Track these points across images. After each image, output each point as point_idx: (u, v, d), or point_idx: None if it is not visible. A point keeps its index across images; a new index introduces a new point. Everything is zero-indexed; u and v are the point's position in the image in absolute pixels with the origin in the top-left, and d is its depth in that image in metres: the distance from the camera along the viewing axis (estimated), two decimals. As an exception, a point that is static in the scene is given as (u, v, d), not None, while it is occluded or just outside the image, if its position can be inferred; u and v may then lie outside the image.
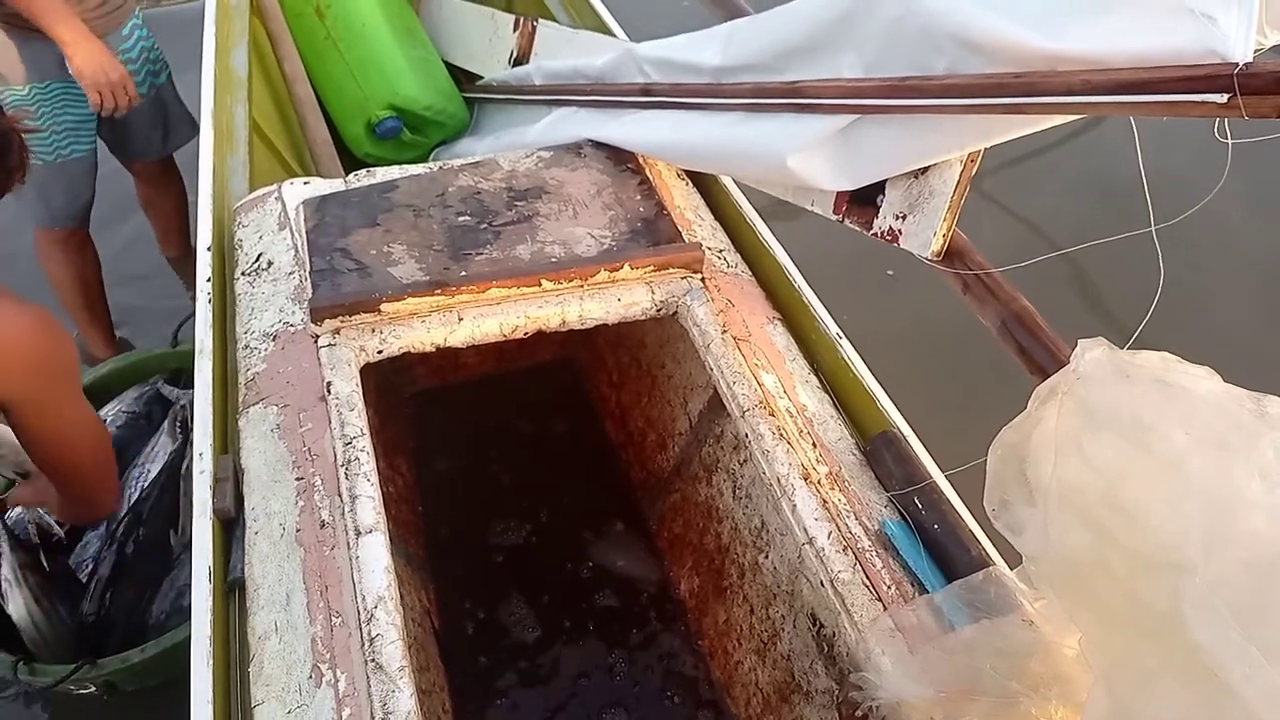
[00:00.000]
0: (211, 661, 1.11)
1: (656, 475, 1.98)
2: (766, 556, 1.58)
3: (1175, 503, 0.79)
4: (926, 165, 1.36)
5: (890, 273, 3.02)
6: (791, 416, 1.40)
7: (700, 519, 1.80)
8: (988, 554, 1.23)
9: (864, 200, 1.48)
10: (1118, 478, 0.83)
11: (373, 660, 1.06)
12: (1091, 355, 0.91)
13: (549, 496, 2.05)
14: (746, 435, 1.39)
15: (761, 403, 1.40)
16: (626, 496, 2.05)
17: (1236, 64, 0.91)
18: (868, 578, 1.21)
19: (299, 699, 1.06)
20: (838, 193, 1.51)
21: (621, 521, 2.00)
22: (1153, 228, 1.12)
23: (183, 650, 1.16)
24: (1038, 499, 0.94)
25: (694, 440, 1.83)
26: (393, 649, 1.07)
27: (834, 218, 1.54)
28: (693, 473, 1.83)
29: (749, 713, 1.62)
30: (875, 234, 1.47)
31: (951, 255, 1.39)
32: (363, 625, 1.09)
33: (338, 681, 1.06)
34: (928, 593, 1.20)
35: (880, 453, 1.36)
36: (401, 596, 1.33)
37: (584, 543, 1.97)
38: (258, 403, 1.35)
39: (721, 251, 1.70)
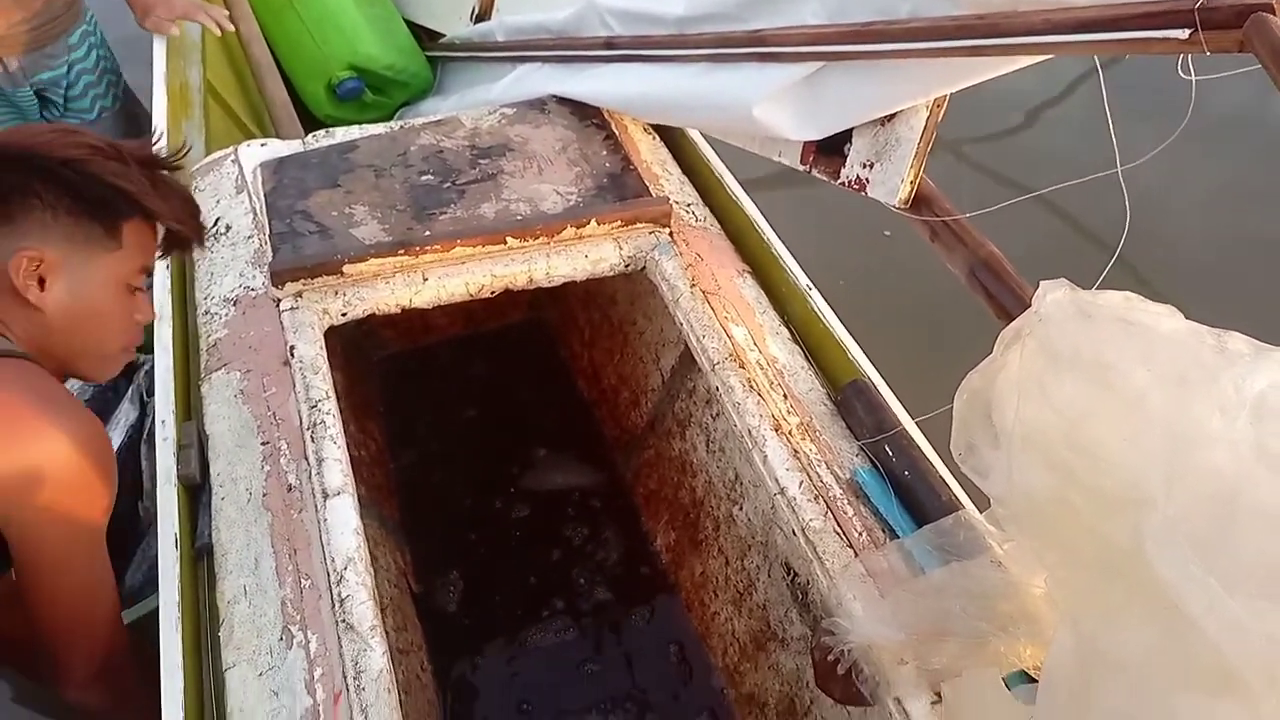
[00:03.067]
0: (181, 627, 1.11)
1: (630, 432, 1.97)
2: (741, 508, 1.59)
3: (1136, 440, 0.79)
4: (893, 112, 1.34)
5: (888, 233, 3.01)
6: (762, 368, 1.40)
7: (675, 474, 1.81)
8: (957, 498, 1.24)
9: (831, 149, 1.47)
10: (1079, 417, 0.83)
11: (343, 621, 1.06)
12: (1053, 296, 0.91)
13: (523, 456, 2.05)
14: (717, 388, 1.38)
15: (731, 355, 1.39)
16: (601, 454, 2.04)
17: (1197, -1, 0.90)
18: (839, 525, 1.22)
19: (270, 661, 1.06)
20: (804, 143, 1.50)
21: (596, 479, 2.01)
22: (1119, 168, 1.11)
23: (155, 619, 1.15)
24: (1002, 442, 0.95)
25: (666, 396, 1.83)
26: (363, 609, 1.07)
27: (801, 168, 1.53)
28: (666, 428, 1.83)
29: (726, 662, 1.63)
30: (843, 183, 1.46)
31: (919, 202, 1.38)
32: (333, 587, 1.08)
33: (309, 642, 1.06)
34: (898, 538, 1.21)
35: (850, 402, 1.36)
36: (376, 558, 1.33)
37: (559, 500, 1.97)
38: (220, 368, 1.33)
39: (690, 205, 1.69)
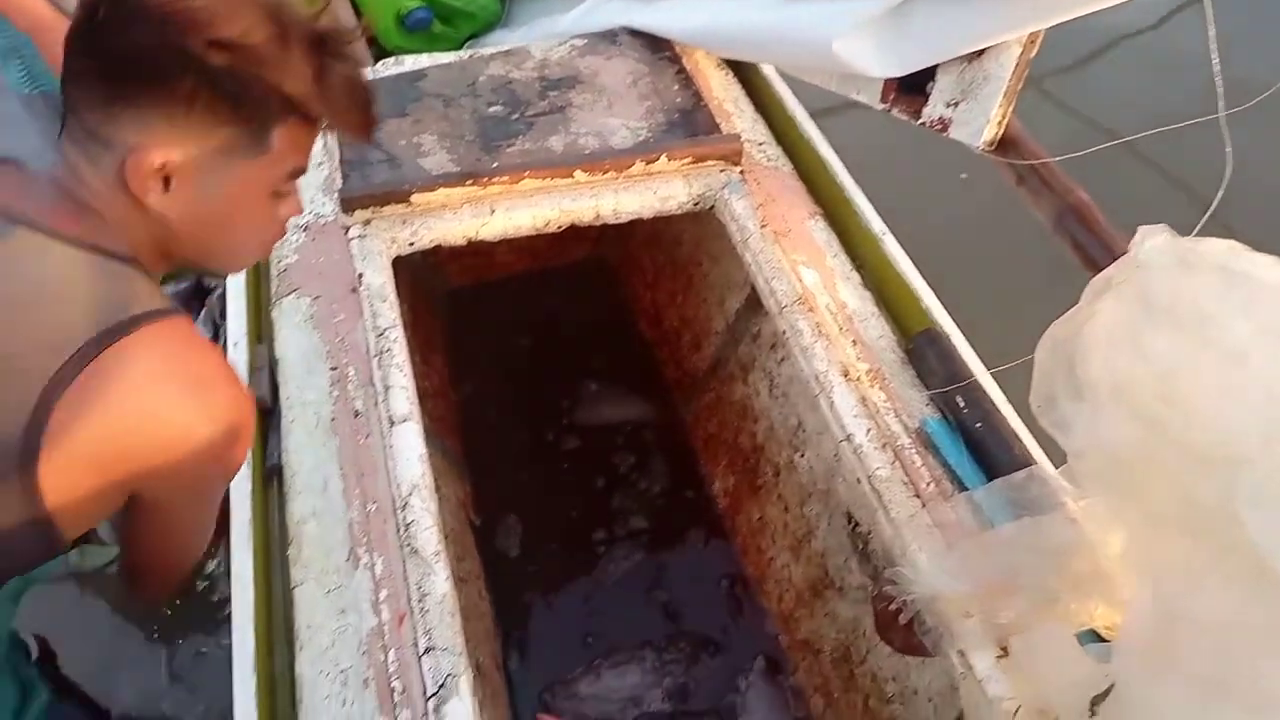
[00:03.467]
0: (252, 545, 1.13)
1: (692, 375, 1.96)
2: (802, 455, 1.57)
3: (1234, 395, 0.75)
4: (982, 48, 1.28)
5: (964, 176, 2.89)
6: (831, 313, 1.37)
7: (735, 418, 1.79)
8: (1031, 454, 1.20)
9: (913, 88, 1.41)
10: (1173, 370, 0.79)
11: (408, 545, 1.08)
12: (1152, 243, 0.86)
13: (583, 394, 2.05)
14: (784, 332, 1.36)
15: (800, 299, 1.36)
16: (661, 395, 2.04)
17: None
18: (906, 475, 1.19)
19: (337, 580, 1.08)
20: (885, 80, 1.44)
21: (655, 419, 2.01)
22: (1221, 113, 1.05)
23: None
24: (1086, 394, 0.91)
25: (730, 339, 1.81)
26: (428, 534, 1.09)
27: (880, 107, 1.48)
28: (729, 372, 1.81)
29: (781, 608, 1.63)
30: (924, 123, 1.41)
31: (1005, 144, 1.33)
32: (398, 511, 1.10)
33: (374, 564, 1.08)
34: (968, 490, 1.18)
35: (922, 351, 1.33)
36: (439, 488, 1.35)
37: (618, 439, 1.97)
38: (290, 293, 1.34)
39: (761, 144, 1.64)
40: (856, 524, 1.41)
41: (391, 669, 1.01)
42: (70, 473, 0.81)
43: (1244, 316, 0.79)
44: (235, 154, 0.86)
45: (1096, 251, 1.18)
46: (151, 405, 0.84)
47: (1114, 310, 0.88)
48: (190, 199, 0.87)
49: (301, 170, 0.94)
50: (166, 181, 0.85)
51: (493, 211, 1.44)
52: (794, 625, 1.59)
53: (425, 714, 0.97)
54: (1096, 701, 0.84)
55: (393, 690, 1.00)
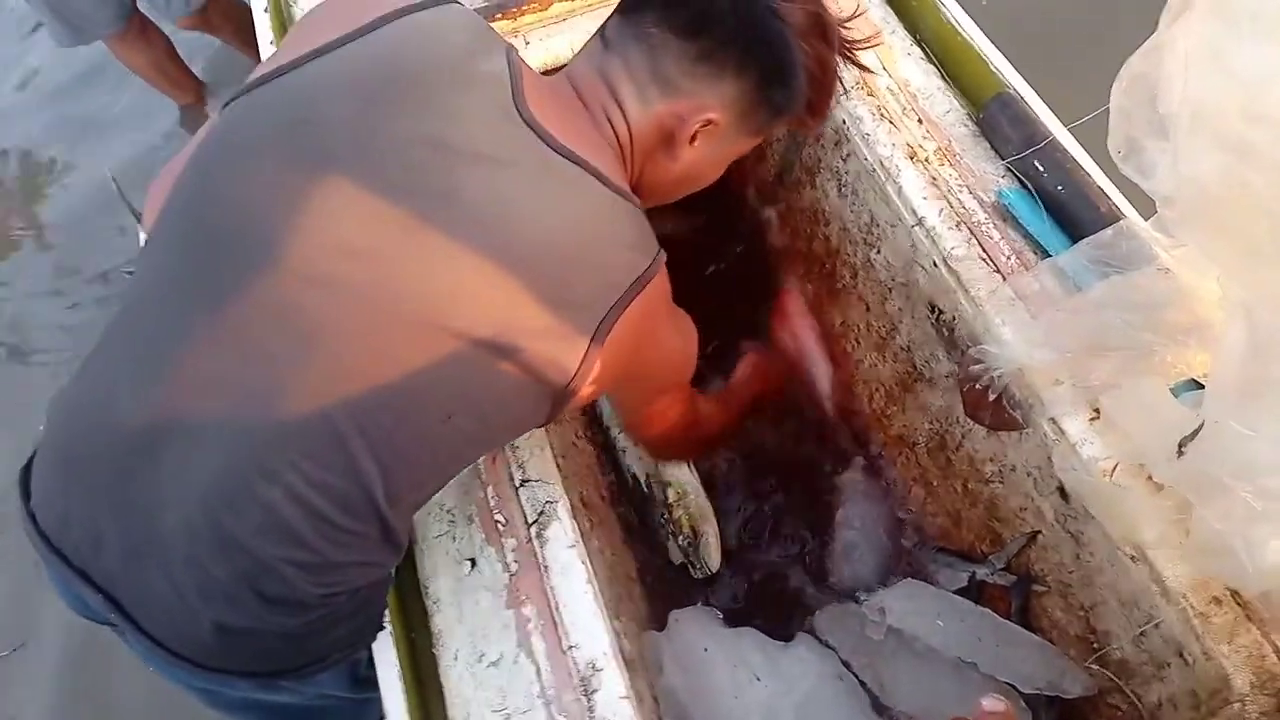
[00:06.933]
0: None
1: (759, 187, 1.90)
2: (879, 251, 1.52)
3: (1332, 98, 0.68)
4: None
5: None
6: (893, 94, 1.29)
7: (807, 224, 1.74)
8: (1119, 209, 1.14)
9: None
10: (1259, 82, 0.72)
11: None
12: (1234, -55, 0.76)
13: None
14: (844, 121, 1.29)
15: (858, 83, 1.29)
16: (732, 210, 1.99)
17: None
18: (984, 251, 1.15)
19: None
20: None
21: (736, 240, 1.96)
22: None
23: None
24: (1169, 128, 0.84)
25: (793, 144, 1.73)
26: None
27: None
28: (795, 178, 1.75)
29: (873, 407, 1.63)
30: None
31: None
32: None
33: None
34: (1050, 258, 1.13)
35: (995, 118, 1.25)
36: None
37: (702, 260, 1.94)
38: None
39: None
40: (940, 312, 1.37)
41: (492, 504, 1.06)
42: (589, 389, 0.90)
43: (1342, 11, 0.70)
44: (749, 130, 0.96)
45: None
46: (664, 337, 0.99)
47: (1194, 30, 0.79)
48: (699, 156, 0.94)
49: None
50: (693, 137, 0.92)
51: (527, 44, 1.39)
52: (887, 422, 1.59)
53: (529, 539, 1.02)
54: (1185, 442, 0.81)
55: (496, 523, 1.05)
